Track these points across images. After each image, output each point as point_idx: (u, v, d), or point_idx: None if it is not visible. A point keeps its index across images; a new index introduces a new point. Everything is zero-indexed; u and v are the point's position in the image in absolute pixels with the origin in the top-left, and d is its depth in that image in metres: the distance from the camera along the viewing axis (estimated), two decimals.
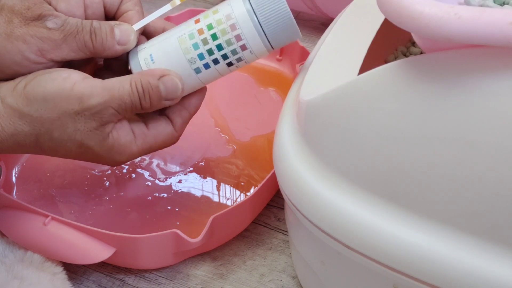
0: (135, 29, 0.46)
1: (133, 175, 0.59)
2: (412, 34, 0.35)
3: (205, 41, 0.44)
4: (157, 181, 0.59)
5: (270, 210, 0.58)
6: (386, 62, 0.50)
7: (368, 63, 0.43)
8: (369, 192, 0.38)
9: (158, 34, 0.47)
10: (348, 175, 0.39)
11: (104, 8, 0.47)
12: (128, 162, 0.60)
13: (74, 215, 0.56)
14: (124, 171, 0.60)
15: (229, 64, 0.45)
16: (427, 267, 0.36)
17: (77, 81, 0.43)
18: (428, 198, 0.36)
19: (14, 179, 0.58)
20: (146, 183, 0.59)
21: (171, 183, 0.59)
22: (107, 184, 0.58)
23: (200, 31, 0.44)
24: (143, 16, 0.47)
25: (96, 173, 0.59)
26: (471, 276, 0.35)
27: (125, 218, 0.56)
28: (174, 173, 0.60)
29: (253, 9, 0.43)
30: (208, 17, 0.45)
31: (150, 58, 0.45)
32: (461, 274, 0.35)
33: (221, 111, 0.66)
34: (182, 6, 0.85)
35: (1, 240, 0.50)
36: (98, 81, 0.43)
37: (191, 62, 0.45)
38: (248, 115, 0.66)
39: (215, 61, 0.45)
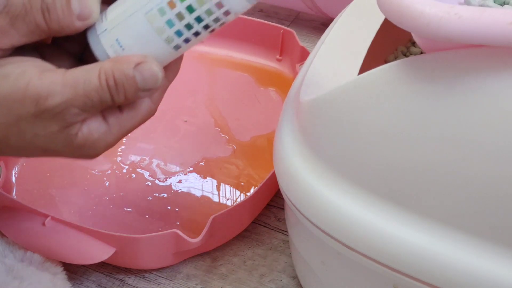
0: None
1: (133, 175, 0.59)
2: (412, 34, 0.35)
3: (180, 16, 0.36)
4: (157, 181, 0.59)
5: (270, 210, 0.58)
6: (386, 62, 0.50)
7: (368, 63, 0.43)
8: (369, 192, 0.38)
9: None
10: (348, 175, 0.39)
11: None
12: (128, 162, 0.60)
13: (74, 215, 0.56)
14: (124, 171, 0.60)
15: (212, 31, 0.38)
16: (427, 267, 0.36)
17: (32, 79, 0.36)
18: (428, 198, 0.36)
19: (14, 179, 0.58)
20: (146, 183, 0.59)
21: (171, 183, 0.59)
22: (107, 184, 0.58)
23: (171, 4, 0.36)
24: None
25: (96, 173, 0.59)
26: (471, 276, 0.35)
27: (125, 218, 0.56)
28: (174, 173, 0.60)
29: None
30: None
31: (118, 45, 0.37)
32: (461, 274, 0.35)
33: (221, 111, 0.66)
34: None
35: (1, 240, 0.50)
36: (58, 75, 0.36)
37: (168, 41, 0.37)
38: (248, 115, 0.66)
39: (196, 34, 0.37)
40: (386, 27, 0.44)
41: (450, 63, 0.33)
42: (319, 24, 0.82)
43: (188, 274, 0.53)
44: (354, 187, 0.39)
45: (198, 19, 0.36)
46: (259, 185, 0.54)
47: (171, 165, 0.61)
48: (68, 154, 0.38)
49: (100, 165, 0.60)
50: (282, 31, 0.70)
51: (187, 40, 0.37)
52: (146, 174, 0.60)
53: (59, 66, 0.38)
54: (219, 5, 0.36)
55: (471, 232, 0.35)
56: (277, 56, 0.71)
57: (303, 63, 0.50)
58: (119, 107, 0.39)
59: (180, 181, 0.59)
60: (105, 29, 0.37)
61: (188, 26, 0.37)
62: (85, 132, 0.37)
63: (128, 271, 0.54)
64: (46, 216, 0.50)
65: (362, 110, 0.37)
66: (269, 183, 0.54)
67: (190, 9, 0.36)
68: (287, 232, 0.52)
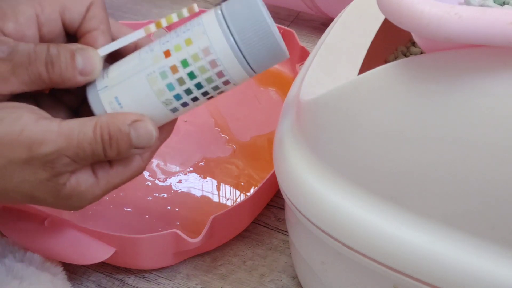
0: (101, 55, 0.38)
1: None
2: (412, 34, 0.35)
3: (181, 81, 0.37)
4: (157, 181, 0.59)
5: (270, 210, 0.58)
6: (386, 62, 0.50)
7: (368, 63, 0.43)
8: (369, 192, 0.38)
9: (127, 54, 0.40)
10: (348, 175, 0.39)
11: (64, 25, 0.39)
12: None
13: (74, 215, 0.56)
14: None
15: (209, 98, 0.39)
16: (427, 267, 0.36)
17: (27, 124, 0.36)
18: (428, 198, 0.36)
19: None
20: (146, 183, 0.59)
21: (171, 183, 0.59)
22: None
23: (174, 69, 0.37)
24: (109, 36, 0.40)
25: None
26: (471, 276, 0.35)
27: (125, 218, 0.56)
28: (174, 173, 0.60)
29: (235, 40, 0.36)
30: (181, 49, 0.37)
31: (116, 103, 0.38)
32: (461, 274, 0.35)
33: (221, 111, 0.66)
34: (182, 6, 0.85)
35: (1, 240, 0.50)
36: (54, 124, 0.36)
37: (167, 104, 0.38)
38: (248, 115, 0.66)
39: (194, 99, 0.38)
40: (386, 27, 0.44)
41: (450, 63, 0.33)
42: (319, 24, 0.82)
43: (188, 274, 0.53)
44: (354, 187, 0.39)
45: (198, 86, 0.37)
46: (259, 185, 0.54)
47: (171, 165, 0.61)
48: (53, 203, 0.38)
49: None
50: (282, 31, 0.70)
51: (184, 104, 0.38)
52: (146, 174, 0.60)
53: (54, 116, 0.38)
54: (220, 75, 0.37)
55: (471, 232, 0.35)
56: None
57: (303, 63, 0.50)
58: (110, 162, 0.39)
59: (180, 181, 0.59)
60: (106, 86, 0.38)
61: (188, 91, 0.38)
62: (73, 183, 0.38)
63: (128, 271, 0.54)
64: (46, 216, 0.50)
65: (362, 110, 0.37)
66: (269, 183, 0.54)
67: (191, 75, 0.37)
68: (287, 232, 0.52)
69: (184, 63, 0.37)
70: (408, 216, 0.37)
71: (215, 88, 0.38)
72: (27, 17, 0.38)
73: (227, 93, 0.68)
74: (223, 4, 0.37)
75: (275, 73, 0.70)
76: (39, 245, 0.50)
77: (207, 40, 0.36)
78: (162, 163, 0.61)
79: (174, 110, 0.38)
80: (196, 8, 0.37)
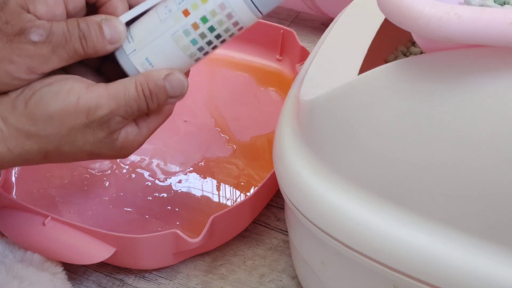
0: (123, 22, 0.42)
1: (133, 175, 0.59)
2: (412, 34, 0.35)
3: (202, 35, 0.41)
4: (157, 181, 0.59)
5: (270, 210, 0.58)
6: (386, 62, 0.50)
7: (368, 63, 0.43)
8: (369, 192, 0.38)
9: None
10: (348, 175, 0.39)
11: None
12: (128, 162, 0.60)
13: (74, 215, 0.56)
14: (124, 171, 0.60)
15: (225, 42, 0.43)
16: (427, 267, 0.36)
17: (81, 93, 0.41)
18: (428, 198, 0.36)
19: (13, 179, 0.58)
20: (146, 183, 0.59)
21: (171, 183, 0.59)
22: (107, 184, 0.58)
23: (195, 26, 0.41)
24: (126, 2, 0.43)
25: (96, 173, 0.59)
26: (471, 276, 0.35)
27: (125, 218, 0.56)
28: (174, 173, 0.60)
29: None
30: (198, 7, 0.41)
31: (147, 63, 0.42)
32: (461, 274, 0.35)
33: (221, 111, 0.66)
34: None
35: (1, 240, 0.50)
36: (102, 88, 0.41)
37: (191, 56, 0.42)
38: (248, 115, 0.66)
39: (214, 47, 0.43)
40: (386, 27, 0.44)
41: (450, 63, 0.33)
42: (319, 24, 0.82)
43: (188, 274, 0.53)
44: (354, 187, 0.39)
45: (217, 36, 0.42)
46: (259, 185, 0.54)
47: (171, 165, 0.61)
48: (110, 155, 0.44)
49: (100, 165, 0.60)
50: (282, 31, 0.70)
51: (206, 53, 0.43)
52: (146, 174, 0.60)
53: (84, 77, 0.43)
54: (235, 24, 0.41)
55: (471, 232, 0.35)
56: (277, 56, 0.71)
57: (303, 63, 0.50)
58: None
59: (180, 181, 0.59)
60: (134, 50, 0.42)
61: (209, 42, 0.42)
62: (123, 135, 0.43)
63: (128, 271, 0.54)
64: (46, 216, 0.50)
65: (362, 110, 0.37)
66: (269, 183, 0.54)
67: (211, 29, 0.41)
68: (287, 232, 0.52)
69: (204, 20, 0.41)
70: (408, 216, 0.37)
71: (231, 35, 0.42)
72: None
73: (227, 93, 0.68)
74: None
75: (275, 73, 0.70)
76: (39, 245, 0.50)
77: None
78: (162, 163, 0.61)
79: (197, 59, 0.43)
80: None
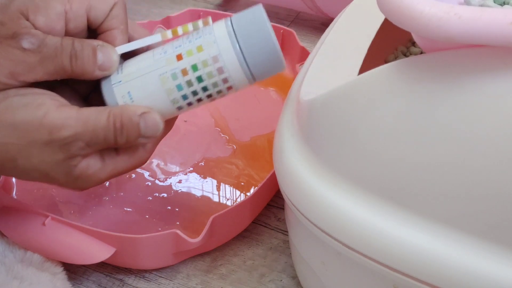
0: (118, 53, 0.42)
1: (133, 175, 0.59)
2: (412, 34, 0.35)
3: (189, 83, 0.41)
4: (157, 181, 0.59)
5: (270, 210, 0.58)
6: (386, 62, 0.50)
7: (368, 63, 0.43)
8: (369, 192, 0.38)
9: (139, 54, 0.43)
10: (348, 175, 0.39)
11: (88, 21, 0.43)
12: None
13: (74, 215, 0.56)
14: None
15: (212, 99, 0.43)
16: (427, 267, 0.36)
17: (50, 110, 0.39)
18: (428, 198, 0.36)
19: (14, 179, 0.58)
20: (146, 183, 0.59)
21: (171, 183, 0.59)
22: (107, 184, 0.58)
23: (184, 72, 0.41)
24: (127, 36, 0.43)
25: None
26: (471, 276, 0.35)
27: (125, 218, 0.56)
28: (174, 173, 0.60)
29: (242, 51, 0.40)
30: (192, 55, 0.40)
31: (128, 97, 0.41)
32: (461, 274, 0.35)
33: (221, 111, 0.66)
34: (182, 6, 0.85)
35: (1, 240, 0.50)
36: (73, 111, 0.40)
37: (174, 102, 0.41)
38: (248, 115, 0.66)
39: (199, 100, 0.42)
40: (386, 27, 0.44)
41: (450, 63, 0.33)
42: (319, 24, 0.82)
43: (188, 274, 0.53)
44: (354, 187, 0.39)
45: (204, 88, 0.41)
46: (259, 185, 0.54)
47: (171, 165, 0.61)
48: (64, 182, 0.42)
49: None
50: (282, 31, 0.70)
51: (189, 104, 0.42)
52: (146, 174, 0.60)
53: (68, 101, 0.41)
54: (225, 81, 0.41)
55: (471, 232, 0.35)
56: None
57: (303, 63, 0.50)
58: (116, 150, 0.42)
59: (180, 181, 0.59)
60: (120, 81, 0.42)
61: (194, 92, 0.41)
62: (83, 166, 0.41)
63: (128, 271, 0.54)
64: (46, 216, 0.50)
65: (362, 110, 0.37)
66: (269, 183, 0.54)
67: (199, 79, 0.41)
68: (287, 232, 0.52)
69: (194, 67, 0.41)
70: (408, 216, 0.37)
71: (219, 92, 0.42)
72: (57, 13, 0.41)
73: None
74: (233, 17, 0.41)
75: None
76: (39, 245, 0.50)
77: (217, 49, 0.40)
78: (162, 163, 0.61)
79: (179, 108, 0.42)
80: (210, 21, 0.42)
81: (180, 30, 0.42)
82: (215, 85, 0.41)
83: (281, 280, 0.53)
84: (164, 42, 0.43)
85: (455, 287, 0.36)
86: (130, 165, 0.43)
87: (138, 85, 0.41)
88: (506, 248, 0.34)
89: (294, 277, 0.53)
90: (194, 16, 0.73)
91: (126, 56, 0.43)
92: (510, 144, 0.32)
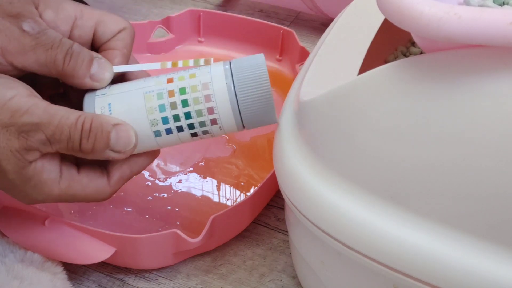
0: (114, 71, 0.42)
1: None
2: (412, 34, 0.35)
3: (173, 105, 0.40)
4: (157, 181, 0.59)
5: (270, 210, 0.58)
6: (386, 62, 0.50)
7: (368, 63, 0.43)
8: (369, 192, 0.38)
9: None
10: (348, 175, 0.39)
11: (93, 35, 0.43)
12: None
13: (74, 215, 0.56)
14: None
15: (194, 135, 0.41)
16: (427, 267, 0.36)
17: (19, 95, 0.38)
18: (428, 198, 0.36)
19: None
20: (146, 183, 0.59)
21: (171, 183, 0.59)
22: None
23: (171, 93, 0.40)
24: (127, 62, 0.43)
25: None
26: (471, 276, 0.35)
27: (125, 218, 0.56)
28: (174, 173, 0.60)
29: (234, 86, 0.40)
30: (183, 79, 0.40)
31: (107, 108, 0.40)
32: (461, 274, 0.35)
33: None
34: (182, 6, 0.85)
35: (1, 240, 0.50)
36: (43, 102, 0.38)
37: (152, 124, 0.40)
38: None
39: (179, 129, 0.40)
40: (386, 27, 0.44)
41: (450, 63, 0.33)
42: (319, 24, 0.82)
43: (188, 274, 0.53)
44: (354, 187, 0.39)
45: (187, 115, 0.40)
46: (259, 185, 0.54)
47: (171, 165, 0.61)
48: (13, 179, 0.38)
49: None
50: (282, 31, 0.70)
51: (168, 131, 0.40)
52: (146, 174, 0.60)
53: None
54: (210, 111, 0.40)
55: (471, 232, 0.35)
56: (277, 56, 0.71)
57: (303, 63, 0.50)
58: (78, 167, 0.40)
59: (180, 181, 0.59)
60: (104, 93, 0.41)
61: (176, 117, 0.40)
62: (38, 166, 0.38)
63: (128, 271, 0.54)
64: (46, 216, 0.50)
65: (362, 110, 0.37)
66: (269, 183, 0.54)
67: (184, 102, 0.40)
68: (287, 232, 0.52)
69: (182, 91, 0.40)
70: (408, 216, 0.37)
71: (202, 124, 0.40)
72: (67, 15, 0.41)
73: None
74: (233, 61, 0.41)
75: (275, 73, 0.70)
76: (39, 245, 0.50)
77: (209, 77, 0.40)
78: (162, 163, 0.61)
79: (157, 133, 0.40)
80: (212, 61, 0.42)
81: (180, 63, 0.42)
82: (199, 113, 0.40)
83: (281, 280, 0.53)
84: (162, 71, 0.43)
85: (455, 287, 0.36)
86: (87, 192, 0.41)
87: (120, 99, 0.40)
88: (506, 248, 0.34)
89: (294, 277, 0.53)
90: (194, 16, 0.73)
91: (118, 82, 0.43)
92: (510, 144, 0.32)
